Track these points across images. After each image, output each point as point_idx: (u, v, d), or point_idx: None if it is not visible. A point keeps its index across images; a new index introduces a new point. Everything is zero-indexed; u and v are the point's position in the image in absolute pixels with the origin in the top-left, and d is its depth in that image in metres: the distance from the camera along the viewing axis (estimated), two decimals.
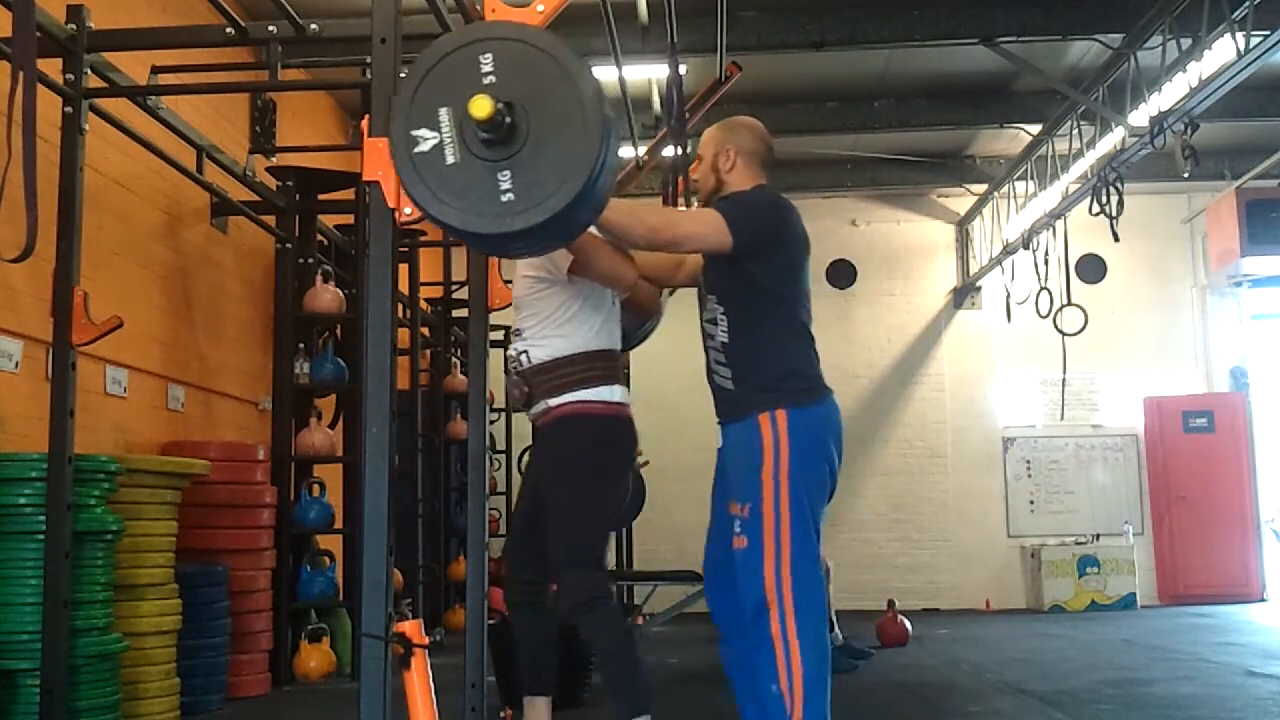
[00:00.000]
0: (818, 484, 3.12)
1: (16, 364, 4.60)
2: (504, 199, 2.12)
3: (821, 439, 3.14)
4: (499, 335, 6.73)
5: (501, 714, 4.19)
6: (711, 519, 3.38)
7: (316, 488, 6.36)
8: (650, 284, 3.54)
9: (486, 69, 2.14)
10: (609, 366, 3.45)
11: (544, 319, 3.40)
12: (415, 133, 2.14)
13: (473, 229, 2.15)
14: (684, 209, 3.23)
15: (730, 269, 3.18)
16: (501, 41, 2.17)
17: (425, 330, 8.83)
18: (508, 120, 2.10)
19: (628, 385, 3.62)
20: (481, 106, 2.06)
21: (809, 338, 3.27)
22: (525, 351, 3.45)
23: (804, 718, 2.93)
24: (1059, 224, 9.04)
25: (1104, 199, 7.80)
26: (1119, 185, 7.79)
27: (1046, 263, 9.10)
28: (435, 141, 2.14)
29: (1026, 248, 9.48)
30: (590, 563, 3.37)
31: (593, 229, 2.87)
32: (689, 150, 5.27)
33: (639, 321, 3.74)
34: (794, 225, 3.28)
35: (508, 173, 2.12)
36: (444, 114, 2.14)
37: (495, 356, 4.29)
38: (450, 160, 2.13)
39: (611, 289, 3.44)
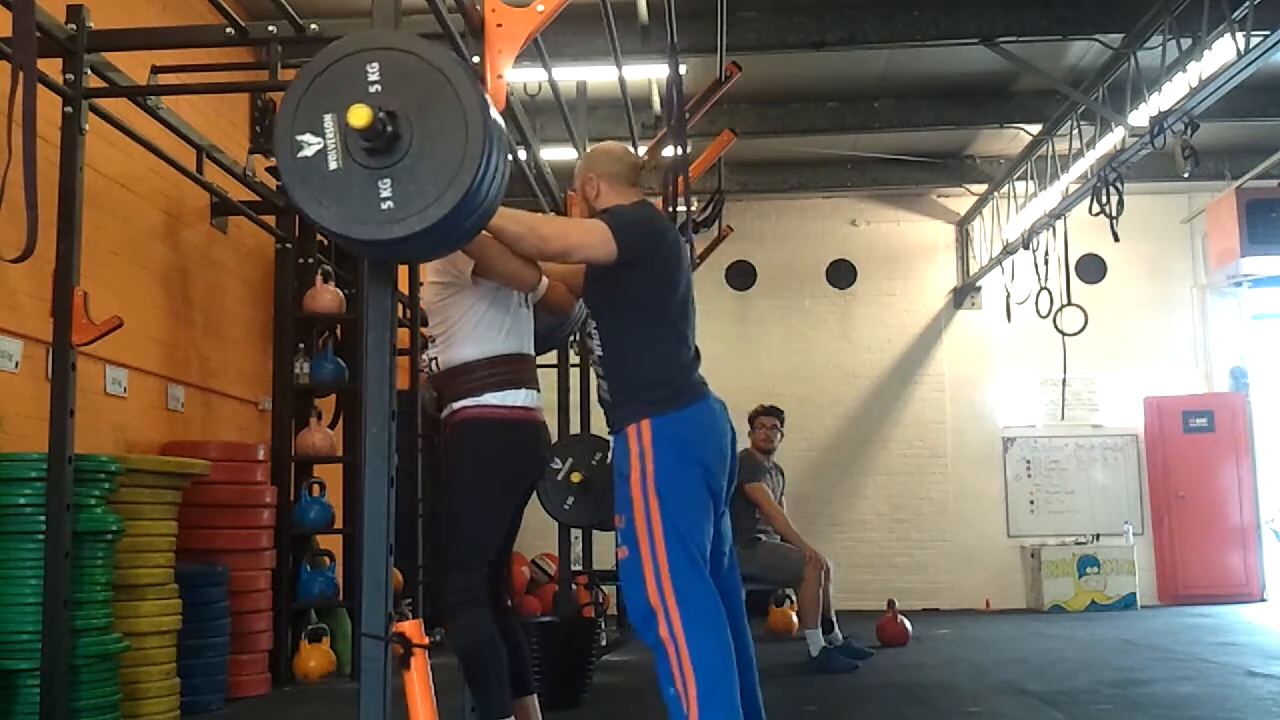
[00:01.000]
0: (688, 488, 3.12)
1: (16, 364, 4.60)
2: (384, 206, 2.17)
3: (686, 443, 3.15)
4: None
5: None
6: None
7: (316, 488, 6.36)
8: (564, 287, 3.58)
9: (373, 78, 2.20)
10: (514, 370, 3.46)
11: (451, 324, 3.41)
12: (300, 137, 2.20)
13: (353, 234, 2.20)
14: (575, 219, 3.26)
15: (605, 282, 3.25)
16: (388, 51, 2.22)
17: (425, 330, 8.81)
18: (388, 129, 2.15)
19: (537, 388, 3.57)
20: (359, 115, 2.11)
21: (679, 344, 3.29)
22: (435, 358, 3.50)
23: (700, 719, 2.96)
24: (1059, 224, 9.04)
25: (1104, 199, 7.79)
26: (1119, 185, 7.79)
27: (1046, 263, 9.10)
28: (319, 147, 2.19)
29: (1026, 248, 9.48)
30: (469, 564, 3.35)
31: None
32: (689, 150, 5.27)
33: (554, 323, 3.78)
34: (667, 235, 3.36)
35: (388, 181, 2.17)
36: (328, 120, 2.19)
37: None
38: (333, 166, 2.19)
39: (517, 291, 3.46)
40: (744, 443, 7.52)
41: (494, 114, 2.27)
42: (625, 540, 3.11)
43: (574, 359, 6.76)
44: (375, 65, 2.20)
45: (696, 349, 3.38)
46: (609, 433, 3.30)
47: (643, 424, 3.13)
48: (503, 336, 3.43)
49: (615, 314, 3.24)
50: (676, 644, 2.99)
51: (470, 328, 3.39)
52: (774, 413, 7.46)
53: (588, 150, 3.51)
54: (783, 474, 7.51)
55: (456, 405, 3.42)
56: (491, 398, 3.39)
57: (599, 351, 3.28)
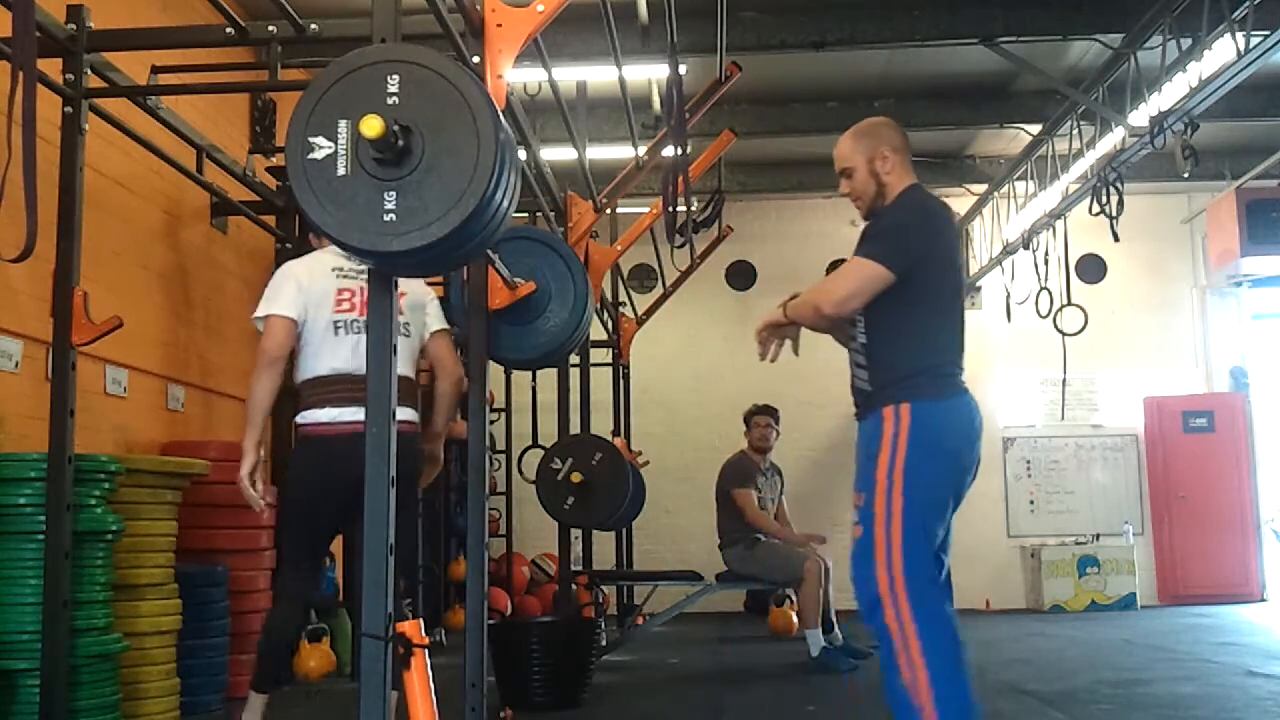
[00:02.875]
0: (934, 479, 3.09)
1: (16, 364, 4.60)
2: (386, 218, 2.18)
3: (941, 434, 3.12)
4: None
5: (501, 714, 4.19)
6: None
7: None
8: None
9: (392, 89, 2.21)
10: (322, 390, 3.91)
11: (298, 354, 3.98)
12: (312, 139, 2.20)
13: (352, 242, 2.21)
14: (837, 276, 3.22)
15: None
16: (410, 65, 2.23)
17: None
18: (400, 142, 2.16)
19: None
20: (372, 126, 2.12)
21: (947, 335, 3.24)
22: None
23: (936, 715, 2.90)
24: (1059, 224, 9.04)
25: (1104, 199, 7.80)
26: (1119, 185, 7.79)
27: (1046, 263, 9.10)
28: (329, 151, 2.20)
29: (1026, 248, 9.48)
30: (285, 564, 3.98)
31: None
32: (688, 150, 5.27)
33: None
34: (942, 230, 3.32)
35: (394, 193, 2.18)
36: (342, 126, 2.20)
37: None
38: (341, 172, 2.20)
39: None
40: (740, 443, 7.54)
41: (508, 137, 2.28)
42: (862, 519, 3.09)
43: (574, 359, 6.75)
44: (396, 77, 2.21)
45: (962, 343, 3.30)
46: (857, 421, 3.26)
47: (902, 408, 3.10)
48: (315, 358, 3.97)
49: (884, 302, 3.15)
50: (905, 633, 2.96)
51: (300, 355, 4.01)
52: (769, 412, 7.46)
53: (859, 127, 3.41)
54: (780, 474, 7.50)
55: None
56: (303, 416, 3.98)
57: (862, 339, 3.23)
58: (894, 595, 2.98)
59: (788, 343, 3.37)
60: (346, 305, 3.95)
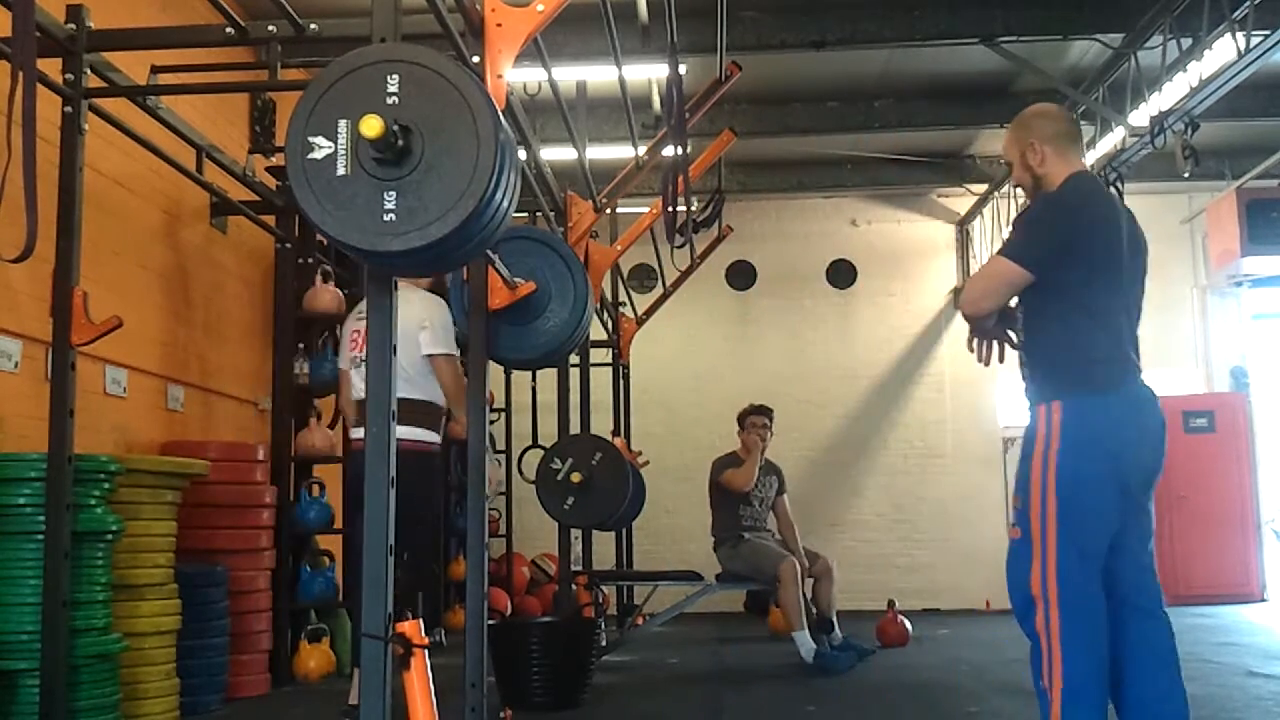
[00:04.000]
0: (1089, 479, 2.99)
1: (16, 364, 4.60)
2: (385, 218, 2.18)
3: (1095, 431, 3.01)
4: None
5: (501, 714, 4.18)
6: None
7: (316, 488, 6.36)
8: None
9: (391, 89, 2.21)
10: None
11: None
12: (311, 139, 2.20)
13: (350, 242, 2.21)
14: (978, 277, 3.24)
15: None
16: (411, 65, 2.23)
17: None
18: (399, 142, 2.16)
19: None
20: (371, 126, 2.12)
21: (1104, 327, 3.10)
22: None
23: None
24: None
25: None
26: (1119, 185, 7.79)
27: None
28: (329, 151, 2.20)
29: None
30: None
31: None
32: (688, 150, 5.27)
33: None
34: (1079, 213, 3.13)
35: (394, 193, 2.18)
36: (342, 126, 2.20)
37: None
38: (340, 172, 2.20)
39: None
40: (736, 444, 7.53)
41: (508, 137, 2.27)
42: (1020, 522, 3.05)
43: (574, 359, 6.75)
44: (395, 77, 2.21)
45: (1134, 335, 3.20)
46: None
47: (1053, 405, 3.04)
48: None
49: (1033, 298, 3.13)
50: (1050, 640, 2.93)
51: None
52: (763, 412, 7.45)
53: (1018, 117, 3.36)
54: (778, 473, 7.48)
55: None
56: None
57: (1022, 336, 3.23)
58: (1046, 601, 2.94)
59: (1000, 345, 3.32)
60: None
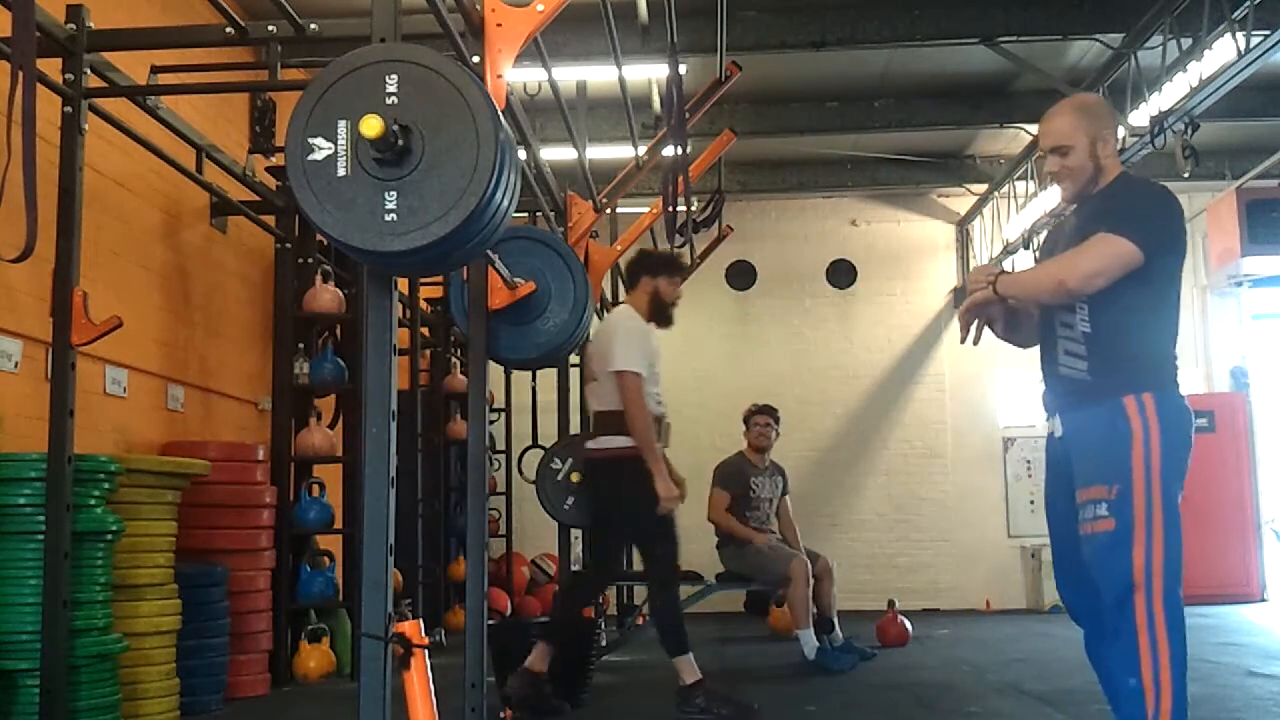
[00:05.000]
0: (1182, 475, 3.04)
1: (16, 364, 4.60)
2: (387, 218, 2.18)
3: (1186, 427, 3.08)
4: None
5: (501, 714, 4.19)
6: (1052, 515, 3.26)
7: (316, 488, 6.36)
8: None
9: (390, 89, 2.21)
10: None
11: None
12: (311, 140, 2.21)
13: (352, 242, 2.21)
14: (1088, 251, 3.00)
15: None
16: (409, 65, 2.23)
17: (425, 330, 8.82)
18: (399, 142, 2.16)
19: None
20: (372, 126, 2.13)
21: (1177, 326, 3.18)
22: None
23: (1173, 713, 2.82)
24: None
25: None
26: None
27: None
28: (329, 152, 2.21)
29: (1027, 247, 9.48)
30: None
31: None
32: (688, 150, 5.27)
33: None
34: (1179, 211, 3.23)
35: (394, 193, 2.19)
36: (342, 126, 2.21)
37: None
38: (341, 173, 2.20)
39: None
40: (740, 444, 7.53)
41: (507, 136, 2.28)
42: (1115, 511, 2.92)
43: (574, 359, 6.75)
44: (394, 77, 2.21)
45: None
46: (1053, 414, 3.16)
47: (1145, 398, 2.98)
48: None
49: (1117, 288, 2.99)
50: (1154, 630, 2.85)
51: None
52: (768, 411, 7.45)
53: (1081, 105, 3.25)
54: (783, 473, 7.49)
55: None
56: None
57: (1085, 328, 3.05)
58: (1149, 589, 2.87)
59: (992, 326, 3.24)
60: None
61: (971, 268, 11.37)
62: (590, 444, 5.13)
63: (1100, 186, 3.14)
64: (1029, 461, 11.41)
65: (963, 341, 3.19)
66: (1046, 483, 3.24)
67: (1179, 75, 6.97)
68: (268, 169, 6.46)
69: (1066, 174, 3.16)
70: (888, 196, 11.64)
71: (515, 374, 9.44)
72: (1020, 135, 9.63)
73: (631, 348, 4.94)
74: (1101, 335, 3.04)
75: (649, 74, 7.92)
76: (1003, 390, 11.46)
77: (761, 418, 7.41)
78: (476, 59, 3.03)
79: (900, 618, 7.71)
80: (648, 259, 5.35)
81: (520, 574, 10.07)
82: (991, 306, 3.13)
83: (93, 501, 4.10)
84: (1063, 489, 3.11)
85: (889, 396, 11.55)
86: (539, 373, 8.32)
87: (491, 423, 6.23)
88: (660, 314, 5.27)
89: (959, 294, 11.60)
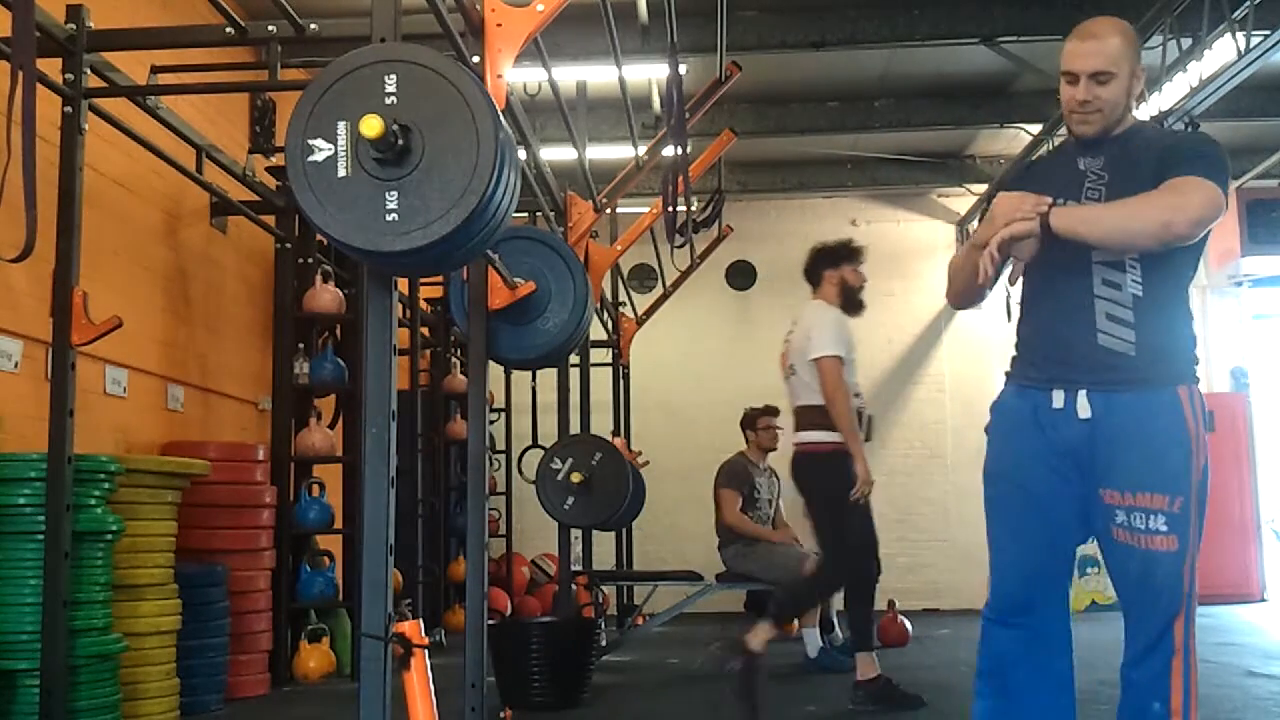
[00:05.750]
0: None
1: (16, 364, 4.60)
2: (388, 218, 2.18)
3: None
4: None
5: (501, 714, 4.19)
6: (1024, 497, 2.69)
7: (316, 488, 6.36)
8: None
9: (389, 89, 2.21)
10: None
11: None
12: (311, 142, 2.21)
13: (354, 243, 2.21)
14: (1175, 190, 2.48)
15: None
16: (408, 65, 2.23)
17: (425, 330, 8.83)
18: (399, 142, 2.16)
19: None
20: (371, 126, 2.13)
21: None
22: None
23: None
24: None
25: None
26: None
27: None
28: (329, 153, 2.21)
29: None
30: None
31: None
32: (688, 150, 5.27)
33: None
34: None
35: (395, 193, 2.19)
36: (341, 127, 2.21)
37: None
38: (342, 173, 2.20)
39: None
40: (741, 445, 7.53)
41: (507, 136, 2.28)
42: (1177, 528, 2.51)
43: (574, 359, 6.76)
44: (393, 77, 2.21)
45: None
46: (1078, 389, 2.59)
47: (1195, 391, 2.58)
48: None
49: (1171, 260, 2.58)
50: (1189, 656, 2.52)
51: None
52: (773, 412, 7.47)
53: (1127, 30, 2.78)
54: (776, 475, 7.50)
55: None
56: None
57: (1136, 291, 2.56)
58: (1189, 612, 2.53)
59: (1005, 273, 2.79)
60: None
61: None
62: (794, 440, 5.28)
63: (1120, 130, 2.67)
64: None
65: (980, 283, 2.69)
66: (1020, 459, 2.69)
67: (1179, 75, 6.97)
68: (268, 169, 6.46)
69: (1098, 106, 2.62)
70: (888, 196, 11.64)
71: (515, 374, 9.44)
72: (1020, 135, 9.62)
73: (828, 334, 5.18)
74: (1155, 303, 2.57)
75: (649, 74, 7.92)
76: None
77: (769, 419, 7.43)
78: (476, 59, 3.03)
79: (900, 618, 7.71)
80: (826, 252, 5.53)
81: (520, 574, 10.08)
82: (1024, 245, 2.57)
83: (93, 501, 4.10)
84: (1064, 477, 2.63)
85: (889, 397, 11.55)
86: (539, 373, 8.32)
87: (491, 423, 6.23)
88: (851, 301, 5.50)
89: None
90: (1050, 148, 9.02)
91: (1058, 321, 2.68)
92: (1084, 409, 2.59)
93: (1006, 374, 2.84)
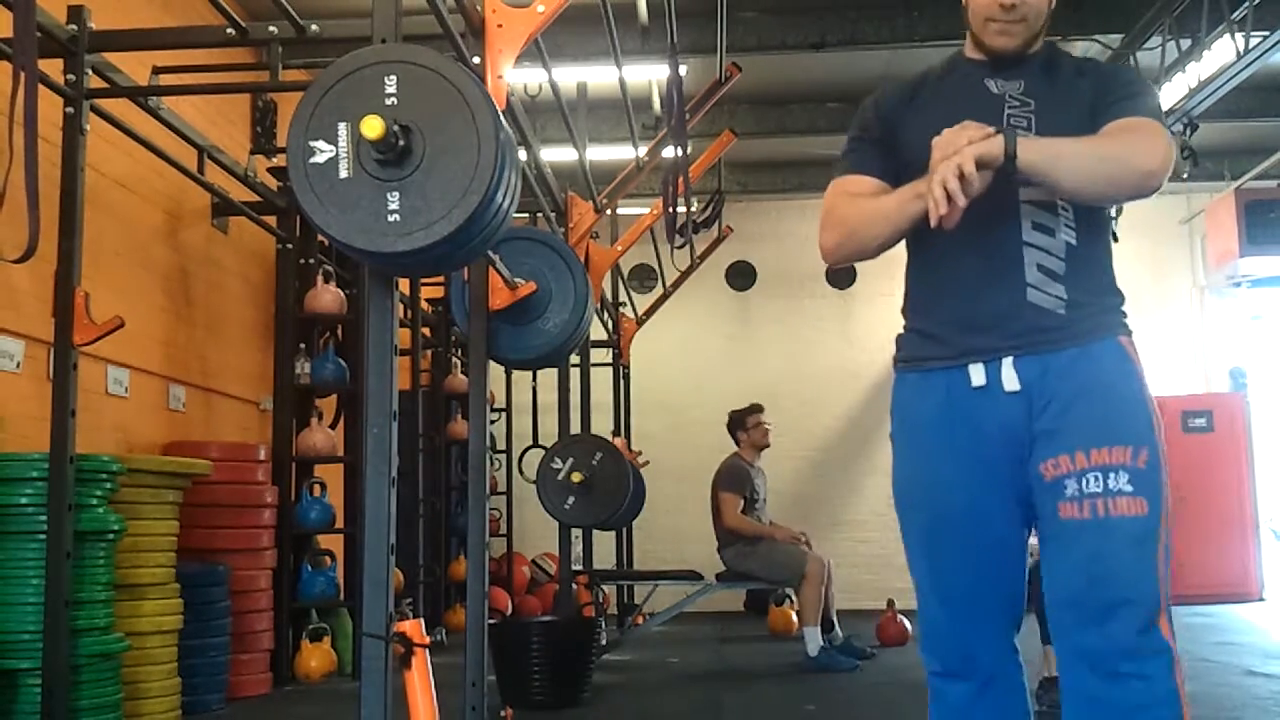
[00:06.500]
0: None
1: (18, 364, 4.61)
2: (390, 219, 2.18)
3: None
4: None
5: (501, 714, 4.20)
6: (950, 504, 2.15)
7: (317, 488, 6.37)
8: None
9: (390, 90, 2.21)
10: None
11: None
12: (312, 143, 2.21)
13: (356, 244, 2.21)
14: (1137, 132, 2.07)
15: None
16: (407, 65, 2.23)
17: (426, 330, 8.83)
18: (400, 142, 2.17)
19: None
20: (372, 127, 2.13)
21: None
22: None
23: None
24: None
25: None
26: None
27: None
28: (331, 155, 2.21)
29: None
30: None
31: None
32: (689, 151, 5.28)
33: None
34: None
35: (397, 193, 2.19)
36: (342, 129, 2.21)
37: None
38: (343, 175, 2.21)
39: None
40: (731, 447, 7.53)
41: (508, 136, 2.29)
42: (1144, 487, 1.99)
43: (574, 359, 6.76)
44: (394, 78, 2.22)
45: None
46: (1004, 354, 2.09)
47: (1134, 342, 2.16)
48: None
49: (1100, 209, 2.22)
50: (1175, 641, 2.04)
51: None
52: (760, 409, 7.49)
53: None
54: (763, 474, 7.52)
55: None
56: None
57: (1069, 238, 2.13)
58: (1167, 601, 2.03)
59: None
60: None
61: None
62: None
63: (1036, 48, 2.28)
64: None
65: (936, 224, 1.98)
66: (936, 474, 2.18)
67: (1178, 76, 6.99)
68: (269, 169, 6.47)
69: (1023, 14, 2.19)
70: None
71: (516, 374, 9.45)
72: None
73: None
74: (1088, 254, 2.17)
75: (649, 75, 7.92)
76: None
77: (757, 416, 7.43)
78: (477, 60, 3.04)
79: (900, 617, 7.71)
80: None
81: (520, 574, 10.08)
82: (971, 184, 1.96)
83: (94, 501, 4.11)
84: (995, 479, 2.11)
85: (888, 397, 11.48)
86: (539, 373, 8.33)
87: (492, 423, 6.24)
88: None
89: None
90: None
91: (975, 278, 2.14)
92: (1010, 380, 2.08)
93: (898, 361, 2.31)
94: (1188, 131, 6.92)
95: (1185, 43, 6.86)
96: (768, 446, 7.40)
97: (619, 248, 6.94)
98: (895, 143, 2.27)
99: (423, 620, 2.43)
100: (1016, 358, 2.09)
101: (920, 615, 2.26)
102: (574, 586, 6.59)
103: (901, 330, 2.31)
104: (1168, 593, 2.02)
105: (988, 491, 2.12)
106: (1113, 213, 2.32)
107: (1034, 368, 2.08)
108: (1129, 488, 2.00)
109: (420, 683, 2.29)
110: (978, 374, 2.12)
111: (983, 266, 2.13)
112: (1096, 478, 2.00)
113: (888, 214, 2.14)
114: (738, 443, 7.46)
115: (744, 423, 7.44)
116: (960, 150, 1.96)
